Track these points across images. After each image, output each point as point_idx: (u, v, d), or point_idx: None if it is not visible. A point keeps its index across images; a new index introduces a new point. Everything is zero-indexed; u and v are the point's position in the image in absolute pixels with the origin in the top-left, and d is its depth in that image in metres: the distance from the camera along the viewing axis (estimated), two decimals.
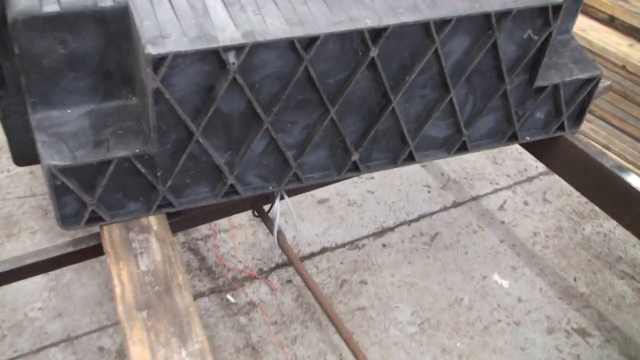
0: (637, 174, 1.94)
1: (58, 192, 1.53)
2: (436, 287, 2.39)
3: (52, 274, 2.35)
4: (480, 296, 2.37)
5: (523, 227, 2.71)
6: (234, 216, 2.56)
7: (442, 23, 1.58)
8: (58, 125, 1.55)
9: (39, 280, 2.33)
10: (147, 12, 1.42)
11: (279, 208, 1.85)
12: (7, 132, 1.70)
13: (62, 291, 2.31)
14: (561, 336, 2.25)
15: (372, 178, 2.92)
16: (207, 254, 2.48)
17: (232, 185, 1.69)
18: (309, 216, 2.68)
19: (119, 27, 1.47)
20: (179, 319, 1.42)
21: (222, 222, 2.61)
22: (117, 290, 1.46)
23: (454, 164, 3.06)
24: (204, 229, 2.58)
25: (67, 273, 2.35)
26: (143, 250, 1.56)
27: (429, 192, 2.87)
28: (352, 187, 2.85)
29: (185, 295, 1.47)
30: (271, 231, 1.89)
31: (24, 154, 1.71)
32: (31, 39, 1.44)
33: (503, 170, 3.06)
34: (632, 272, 2.54)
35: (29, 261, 1.67)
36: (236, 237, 2.55)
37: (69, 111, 1.57)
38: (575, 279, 2.48)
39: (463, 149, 1.95)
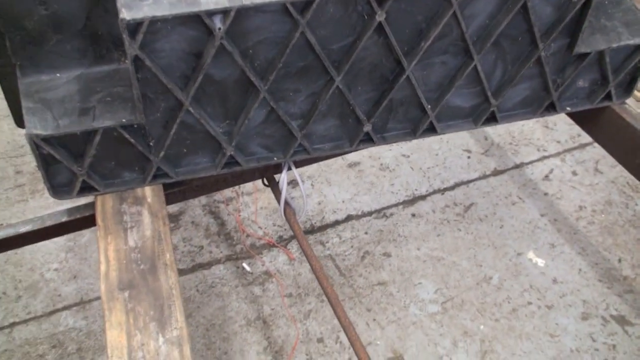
0: None
1: (45, 161, 1.45)
2: (464, 263, 2.24)
3: (71, 234, 2.31)
4: (511, 275, 2.21)
5: (568, 200, 2.51)
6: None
7: None
8: (45, 90, 1.46)
9: (57, 239, 2.31)
10: None
11: (286, 179, 1.73)
12: (5, 94, 1.63)
13: (79, 252, 2.28)
14: (597, 323, 2.08)
15: (410, 141, 2.75)
16: (227, 218, 2.40)
17: (232, 156, 1.58)
18: (337, 180, 2.55)
19: None
20: (161, 301, 1.34)
21: (247, 185, 2.51)
22: (102, 268, 1.39)
23: (499, 128, 2.86)
24: (227, 191, 2.49)
25: (85, 233, 2.32)
26: (134, 224, 1.49)
27: (468, 157, 2.69)
28: (387, 149, 2.70)
29: (171, 276, 1.39)
30: (279, 202, 1.77)
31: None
32: None
33: (553, 136, 2.84)
34: None
35: (22, 230, 1.62)
36: (259, 201, 2.45)
37: (58, 75, 1.48)
38: (620, 260, 2.28)
39: (492, 119, 1.77)
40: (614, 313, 2.11)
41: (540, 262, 2.25)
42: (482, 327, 2.06)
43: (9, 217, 2.39)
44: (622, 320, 2.09)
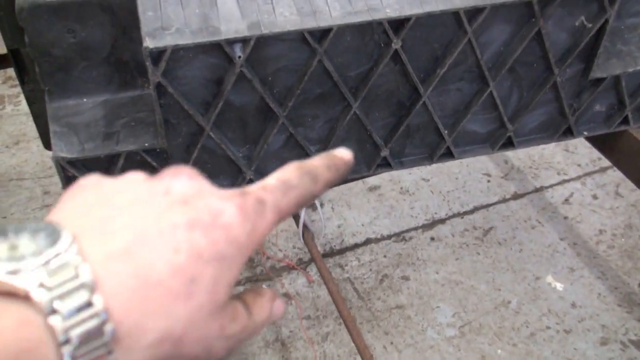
0: None
1: (70, 184, 1.49)
2: (483, 287, 2.25)
3: None
4: (530, 299, 2.21)
5: (588, 224, 2.51)
6: None
7: (475, 12, 1.43)
8: (72, 115, 1.51)
9: None
10: (152, 1, 1.35)
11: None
12: (35, 118, 1.69)
13: None
14: (616, 348, 2.07)
15: (430, 165, 2.77)
16: None
17: (252, 180, 1.61)
18: (358, 204, 2.58)
19: (127, 16, 1.41)
20: None
21: None
22: None
23: (520, 151, 2.87)
24: None
25: None
26: None
27: (488, 181, 2.70)
28: (407, 173, 2.72)
29: None
30: (298, 225, 1.80)
31: None
32: (39, 28, 1.40)
33: (574, 159, 2.84)
34: None
35: None
36: (279, 224, 2.48)
37: (84, 100, 1.54)
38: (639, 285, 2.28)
39: (509, 144, 1.79)
40: (634, 338, 2.10)
41: (559, 286, 2.25)
42: (499, 351, 2.06)
43: None
44: None
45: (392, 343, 2.06)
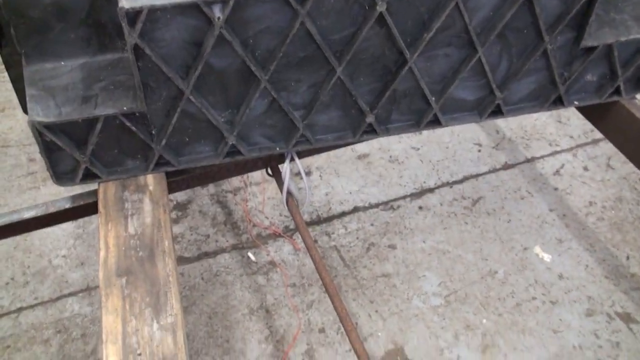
0: None
1: (48, 148, 1.47)
2: (470, 257, 2.23)
3: (80, 220, 2.34)
4: (517, 270, 2.20)
5: (578, 196, 2.49)
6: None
7: None
8: (49, 78, 1.48)
9: (66, 226, 2.33)
10: None
11: (289, 169, 1.74)
12: (13, 82, 1.64)
13: (87, 239, 2.30)
14: (601, 320, 2.06)
15: (420, 133, 2.74)
16: (234, 208, 2.41)
17: (234, 145, 1.58)
18: (346, 172, 2.55)
19: None
20: (157, 288, 1.35)
21: (255, 175, 2.52)
22: (101, 254, 1.41)
23: (512, 121, 2.83)
24: (235, 181, 2.50)
25: (94, 220, 2.33)
26: (135, 211, 1.50)
27: (479, 151, 2.67)
28: (396, 142, 2.69)
29: (168, 263, 1.40)
30: (282, 192, 1.78)
31: None
32: None
33: (566, 131, 2.81)
34: None
35: (26, 216, 1.63)
36: (266, 191, 2.45)
37: (62, 63, 1.50)
38: (628, 257, 2.26)
39: (498, 112, 1.76)
40: (620, 310, 2.09)
41: (547, 257, 2.23)
42: (484, 321, 2.05)
43: (21, 203, 2.42)
44: (627, 318, 2.07)
45: (376, 311, 2.05)
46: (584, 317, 2.06)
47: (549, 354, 1.97)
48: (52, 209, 1.64)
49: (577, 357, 1.97)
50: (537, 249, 2.25)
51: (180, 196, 2.45)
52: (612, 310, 2.08)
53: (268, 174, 1.86)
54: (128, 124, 1.45)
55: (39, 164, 2.59)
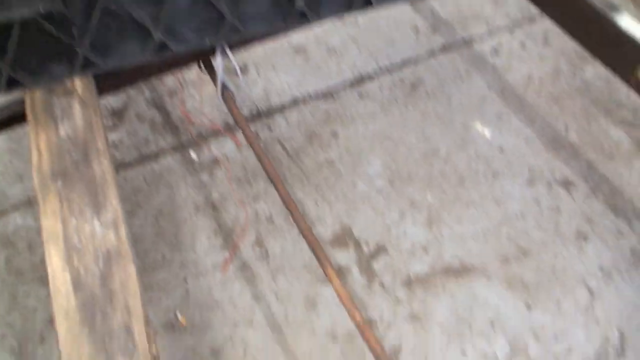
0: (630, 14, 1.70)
1: None
2: (412, 139, 2.24)
3: (12, 136, 2.26)
4: (459, 147, 2.22)
5: (517, 72, 2.50)
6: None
7: None
8: None
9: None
10: None
11: (222, 62, 1.69)
12: None
13: (23, 153, 2.23)
14: (542, 188, 2.10)
15: (357, 24, 2.69)
16: (172, 110, 2.35)
17: (162, 41, 1.52)
18: (283, 65, 2.51)
19: None
20: (94, 187, 1.32)
21: (191, 74, 2.46)
22: (34, 160, 1.36)
23: (447, 3, 2.80)
24: (170, 82, 2.44)
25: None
26: (65, 115, 1.45)
27: (416, 35, 2.65)
28: (334, 32, 2.64)
29: (103, 162, 1.36)
30: (216, 86, 1.74)
31: None
32: None
33: (503, 10, 2.80)
34: (632, 118, 2.33)
35: None
36: (204, 90, 2.40)
37: None
38: (566, 128, 2.30)
39: None
40: (559, 178, 2.13)
41: (488, 132, 2.25)
42: (429, 197, 2.08)
43: None
44: (566, 184, 2.12)
45: (323, 197, 2.05)
46: (525, 187, 2.11)
47: (493, 223, 2.02)
48: None
49: (520, 224, 2.02)
50: (478, 126, 2.27)
51: (115, 103, 2.38)
52: (552, 178, 2.13)
53: (200, 69, 1.81)
54: (48, 26, 1.37)
55: None
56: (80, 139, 1.40)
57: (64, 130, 1.41)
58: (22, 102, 1.54)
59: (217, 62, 1.73)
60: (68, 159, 1.36)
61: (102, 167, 1.35)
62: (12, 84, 1.46)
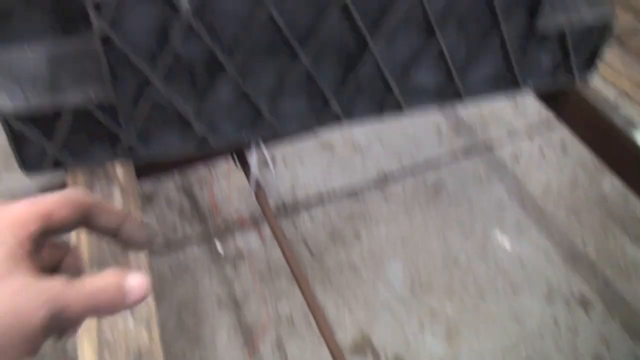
0: None
1: (15, 137, 1.45)
2: (434, 244, 2.28)
3: None
4: (479, 256, 2.25)
5: (535, 180, 2.56)
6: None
7: None
8: (15, 65, 1.46)
9: None
10: None
11: (256, 158, 1.75)
12: None
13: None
14: (560, 306, 2.12)
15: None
16: (201, 198, 2.41)
17: (202, 135, 1.59)
18: (310, 161, 2.58)
19: None
20: None
21: (221, 164, 2.53)
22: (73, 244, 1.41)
23: (470, 107, 2.89)
24: (201, 170, 2.51)
25: None
26: (105, 201, 1.50)
27: (439, 137, 2.73)
28: (359, 129, 2.72)
29: (140, 255, 1.41)
30: (249, 181, 1.79)
31: None
32: None
33: (523, 116, 2.88)
34: None
35: None
36: (233, 181, 2.46)
37: (28, 50, 1.48)
38: (584, 242, 2.33)
39: (456, 97, 1.80)
40: (577, 296, 2.15)
41: (507, 242, 2.29)
42: (448, 308, 2.10)
43: None
44: (584, 303, 2.14)
45: (344, 301, 2.08)
46: (544, 303, 2.13)
47: (511, 340, 2.03)
48: (19, 198, 1.63)
49: (538, 343, 2.04)
50: (498, 234, 2.31)
51: (146, 187, 2.44)
52: (570, 295, 2.15)
53: (234, 162, 1.88)
54: (96, 113, 1.44)
55: (1, 152, 2.55)
56: None
57: None
58: (64, 184, 1.60)
59: (252, 157, 1.79)
60: (106, 247, 1.40)
61: (139, 259, 1.39)
62: (57, 164, 1.52)
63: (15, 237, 0.54)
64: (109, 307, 0.56)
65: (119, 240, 0.65)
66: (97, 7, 1.26)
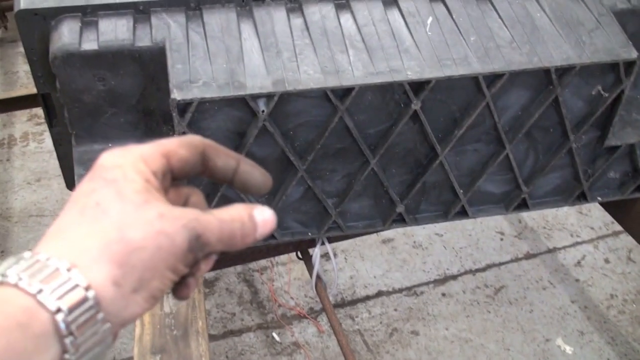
0: None
1: None
2: (492, 346, 2.25)
3: None
4: None
5: (599, 288, 2.51)
6: None
7: (494, 77, 1.47)
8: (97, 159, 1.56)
9: None
10: (181, 55, 1.40)
11: (319, 254, 1.79)
12: (60, 159, 1.73)
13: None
14: None
15: None
16: (260, 287, 2.45)
17: (274, 236, 1.64)
18: (371, 256, 2.60)
19: (157, 67, 1.46)
20: None
21: (281, 255, 2.57)
22: (137, 331, 1.45)
23: (533, 212, 2.88)
24: (262, 260, 2.55)
25: None
26: (170, 291, 1.54)
27: (501, 239, 2.72)
28: (420, 228, 2.74)
29: (202, 343, 1.44)
30: (311, 276, 1.82)
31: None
32: (71, 75, 1.45)
33: (587, 222, 2.85)
34: None
35: None
36: (292, 271, 2.50)
37: (110, 145, 1.58)
38: None
39: (523, 206, 1.81)
40: None
41: (569, 349, 2.24)
42: None
43: None
44: None
45: None
46: None
47: None
48: None
49: None
50: (559, 341, 2.26)
51: (207, 274, 2.49)
52: None
53: (298, 257, 1.91)
54: None
55: None
56: (182, 315, 1.48)
57: (168, 305, 1.50)
58: None
59: (316, 254, 1.83)
60: (168, 334, 1.44)
61: (200, 348, 1.42)
62: None
63: (142, 174, 0.58)
64: (240, 235, 0.59)
65: (236, 184, 0.68)
66: (180, 110, 1.34)
